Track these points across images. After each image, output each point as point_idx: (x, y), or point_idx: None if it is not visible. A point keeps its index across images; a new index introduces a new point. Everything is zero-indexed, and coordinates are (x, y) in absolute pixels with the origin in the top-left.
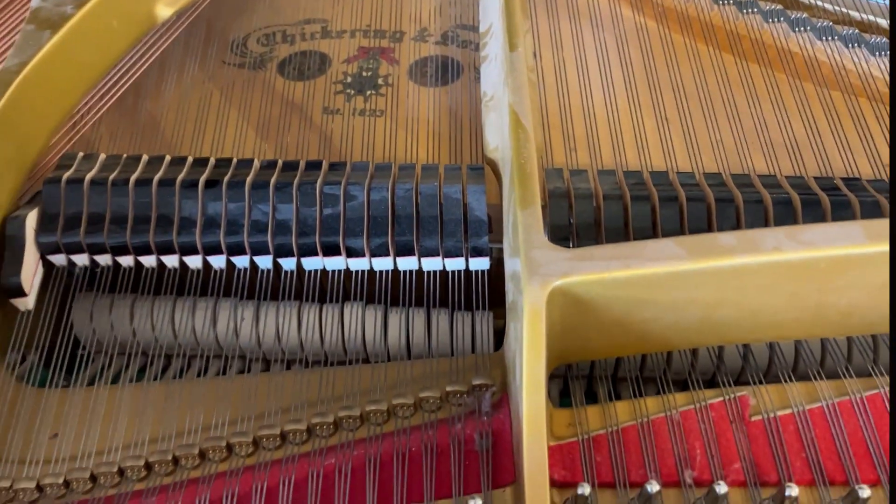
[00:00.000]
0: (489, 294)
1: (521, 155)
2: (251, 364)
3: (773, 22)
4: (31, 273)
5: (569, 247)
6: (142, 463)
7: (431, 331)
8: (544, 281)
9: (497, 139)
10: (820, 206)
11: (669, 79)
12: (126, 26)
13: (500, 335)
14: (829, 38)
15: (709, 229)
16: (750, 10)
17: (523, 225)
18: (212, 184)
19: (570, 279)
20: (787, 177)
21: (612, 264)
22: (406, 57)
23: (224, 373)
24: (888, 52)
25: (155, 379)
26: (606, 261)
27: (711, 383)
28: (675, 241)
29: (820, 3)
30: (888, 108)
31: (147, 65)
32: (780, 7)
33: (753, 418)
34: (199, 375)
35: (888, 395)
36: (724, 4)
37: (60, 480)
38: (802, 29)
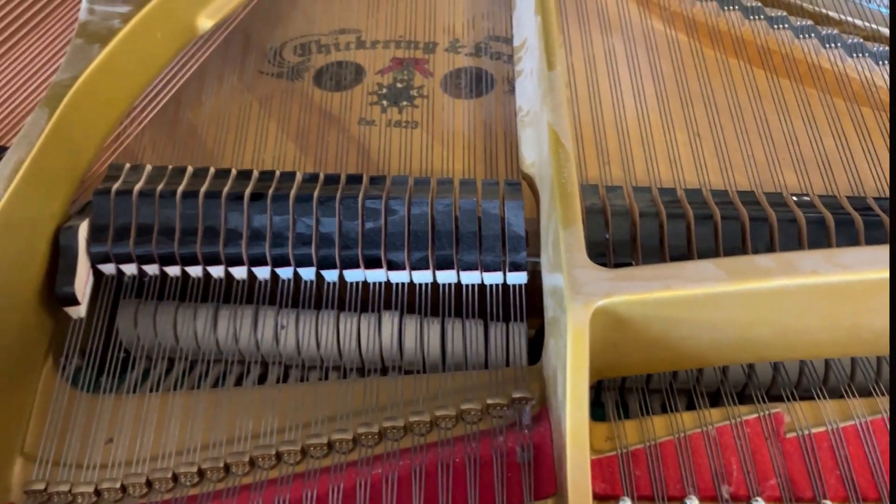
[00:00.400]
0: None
1: (562, 174)
2: (289, 371)
3: (804, 38)
4: (83, 282)
5: (605, 263)
6: (195, 469)
7: (467, 341)
8: (588, 301)
9: (534, 155)
10: (853, 226)
11: (701, 93)
12: (169, 39)
13: (531, 346)
14: (860, 54)
15: (743, 248)
16: (781, 26)
17: (566, 244)
18: (257, 197)
19: (612, 299)
20: (819, 196)
21: (654, 285)
22: (439, 68)
23: (264, 380)
24: None
25: (197, 386)
26: (648, 281)
27: (741, 395)
28: (714, 263)
29: (850, 20)
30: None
31: (187, 76)
32: (810, 23)
33: (788, 435)
34: (239, 382)
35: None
36: (754, 19)
37: (118, 485)
38: (833, 45)
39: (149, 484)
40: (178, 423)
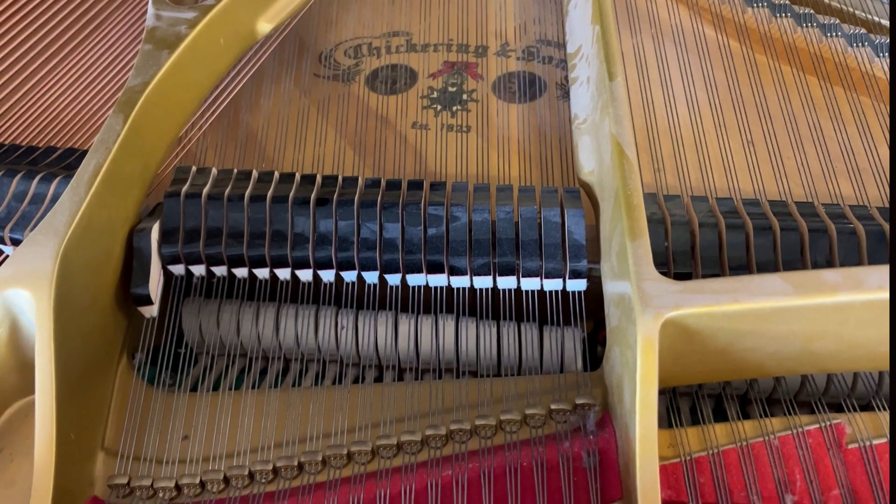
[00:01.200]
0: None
1: (628, 186)
2: (347, 369)
3: (856, 46)
4: (155, 282)
5: (665, 273)
6: (270, 467)
7: (524, 345)
8: (657, 313)
9: (592, 163)
10: None
11: (753, 100)
12: (231, 43)
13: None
14: None
15: (802, 260)
16: (834, 34)
17: (633, 256)
18: (322, 202)
19: (681, 311)
20: (877, 208)
21: (721, 298)
22: (490, 72)
23: (322, 379)
24: None
25: (255, 385)
26: (716, 294)
27: (796, 401)
28: (781, 277)
29: None
30: None
31: (245, 79)
32: (863, 31)
33: (850, 446)
34: (297, 380)
35: None
36: (807, 27)
37: (197, 481)
38: (885, 54)
39: (226, 480)
40: (251, 421)
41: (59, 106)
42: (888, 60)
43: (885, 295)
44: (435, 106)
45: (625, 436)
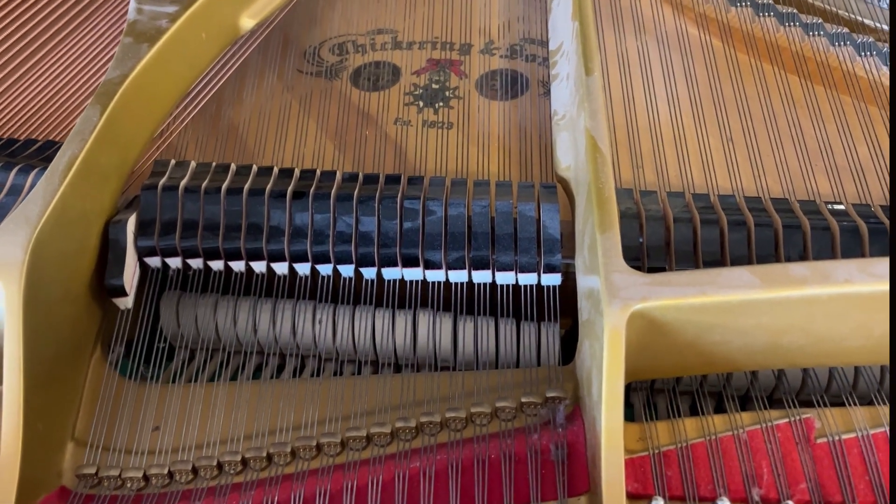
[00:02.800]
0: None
1: (599, 179)
2: (324, 364)
3: (839, 45)
4: (130, 274)
5: (639, 267)
6: (238, 458)
7: (500, 339)
8: (624, 304)
9: (569, 158)
10: (886, 235)
11: (734, 97)
12: (213, 38)
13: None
14: None
15: (776, 255)
16: (816, 33)
17: (603, 248)
18: (299, 195)
19: (648, 303)
20: (853, 204)
21: (689, 290)
22: (474, 70)
23: (299, 373)
24: None
25: (238, 377)
26: (683, 287)
27: (770, 399)
28: (749, 270)
29: (885, 28)
30: None
31: (228, 74)
32: (846, 31)
33: (818, 440)
34: (274, 374)
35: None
36: (790, 26)
37: (165, 471)
38: (869, 53)
39: (194, 471)
40: (222, 412)
41: (42, 99)
42: (872, 60)
43: (852, 289)
44: (418, 103)
45: (592, 428)
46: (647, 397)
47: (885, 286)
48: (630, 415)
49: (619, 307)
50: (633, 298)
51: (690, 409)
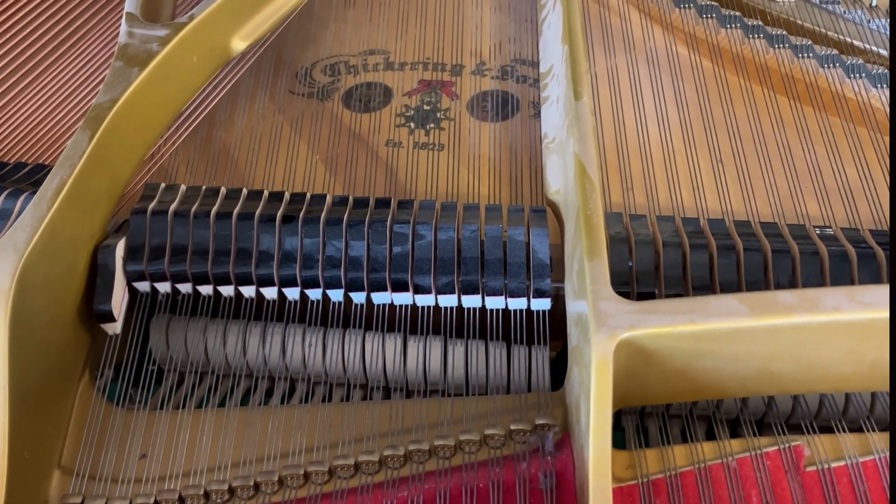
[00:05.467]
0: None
1: (588, 206)
2: (314, 388)
3: (828, 67)
4: (119, 299)
5: (629, 292)
6: (225, 487)
7: (490, 364)
8: (612, 333)
9: (559, 182)
10: (875, 260)
11: (724, 120)
12: (204, 61)
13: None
14: (884, 84)
15: (765, 280)
16: (806, 55)
17: (591, 276)
18: (288, 219)
19: (636, 332)
20: (842, 228)
21: (677, 319)
22: (466, 91)
23: (289, 397)
24: None
25: (226, 403)
26: (671, 315)
27: (761, 424)
28: (737, 298)
29: (875, 49)
30: None
31: (220, 96)
32: (835, 52)
33: (808, 469)
34: (268, 398)
35: None
36: (779, 48)
37: (151, 500)
38: (857, 75)
39: (181, 500)
40: (209, 439)
41: (32, 122)
42: (861, 82)
43: (841, 317)
44: (409, 124)
45: (580, 456)
46: (637, 422)
47: (875, 314)
48: (621, 438)
49: (607, 335)
50: (621, 327)
51: (682, 435)
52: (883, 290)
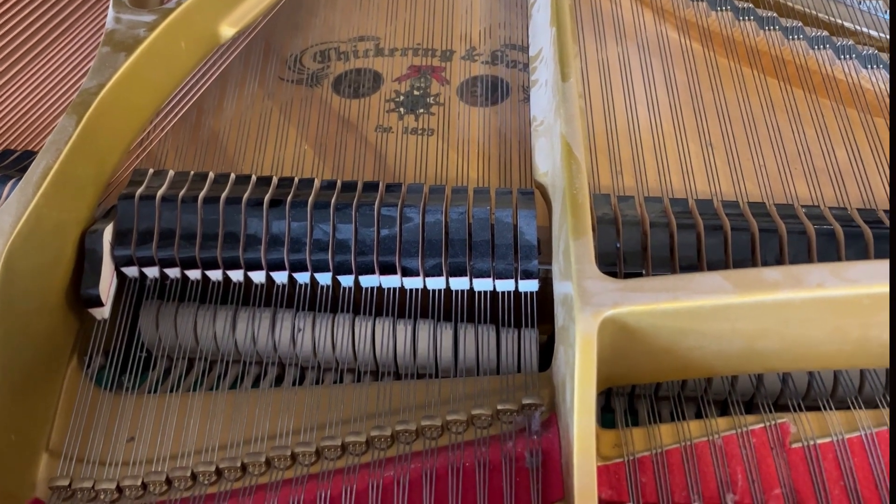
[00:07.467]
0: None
1: (574, 185)
2: (305, 372)
3: (818, 48)
4: (107, 284)
5: (616, 273)
6: (213, 468)
7: (479, 346)
8: (596, 311)
9: (547, 164)
10: (863, 239)
11: (714, 102)
12: (193, 47)
13: (542, 352)
14: (875, 65)
15: (752, 259)
16: (796, 37)
17: (576, 255)
18: (276, 203)
19: (620, 309)
20: (830, 207)
21: (661, 296)
22: (456, 76)
23: (281, 381)
24: None
25: (216, 387)
26: (656, 293)
27: (750, 405)
28: (722, 275)
29: (866, 31)
30: None
31: (209, 82)
32: (825, 34)
33: (794, 445)
34: (257, 383)
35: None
36: (769, 30)
37: (139, 482)
38: (848, 56)
39: (168, 482)
40: (197, 423)
41: (20, 109)
42: (851, 63)
43: (825, 293)
44: (399, 109)
45: (566, 435)
46: (627, 403)
47: (860, 290)
48: (611, 420)
49: (591, 313)
50: (605, 305)
51: (671, 416)
52: (867, 266)
